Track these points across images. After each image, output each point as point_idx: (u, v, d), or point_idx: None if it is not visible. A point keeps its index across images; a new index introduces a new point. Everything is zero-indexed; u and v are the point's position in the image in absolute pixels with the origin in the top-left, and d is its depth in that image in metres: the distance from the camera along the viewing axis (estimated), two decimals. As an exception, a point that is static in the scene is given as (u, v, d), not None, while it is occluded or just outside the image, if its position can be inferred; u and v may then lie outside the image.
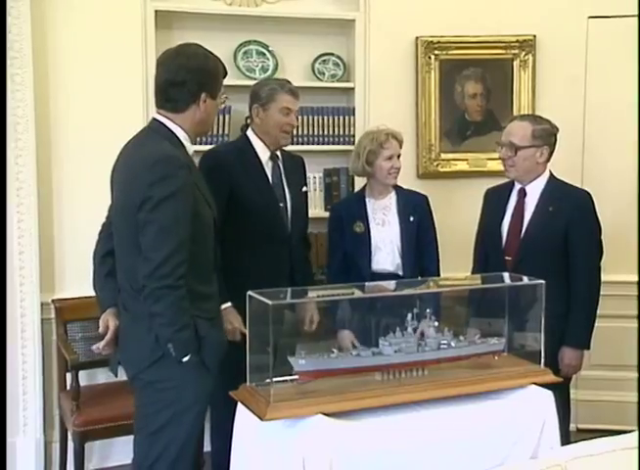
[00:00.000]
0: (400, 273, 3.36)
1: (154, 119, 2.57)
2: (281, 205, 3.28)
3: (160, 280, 2.32)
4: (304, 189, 3.44)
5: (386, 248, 3.38)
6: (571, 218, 3.17)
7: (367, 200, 3.45)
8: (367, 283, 3.12)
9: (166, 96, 2.51)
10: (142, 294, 2.36)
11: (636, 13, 4.02)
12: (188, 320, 2.38)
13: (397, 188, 3.47)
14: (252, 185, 3.23)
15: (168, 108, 2.52)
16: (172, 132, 2.51)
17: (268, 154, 3.31)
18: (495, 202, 3.40)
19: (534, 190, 3.27)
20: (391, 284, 3.14)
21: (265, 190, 3.26)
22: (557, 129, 3.27)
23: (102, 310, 2.65)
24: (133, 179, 2.41)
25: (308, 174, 3.98)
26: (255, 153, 3.29)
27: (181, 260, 2.34)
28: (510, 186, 3.35)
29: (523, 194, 3.29)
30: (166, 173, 2.35)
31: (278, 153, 3.36)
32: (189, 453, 2.53)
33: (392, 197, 3.45)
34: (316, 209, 4.15)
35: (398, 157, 3.38)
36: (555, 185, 3.28)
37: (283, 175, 3.34)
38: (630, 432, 2.06)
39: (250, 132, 3.34)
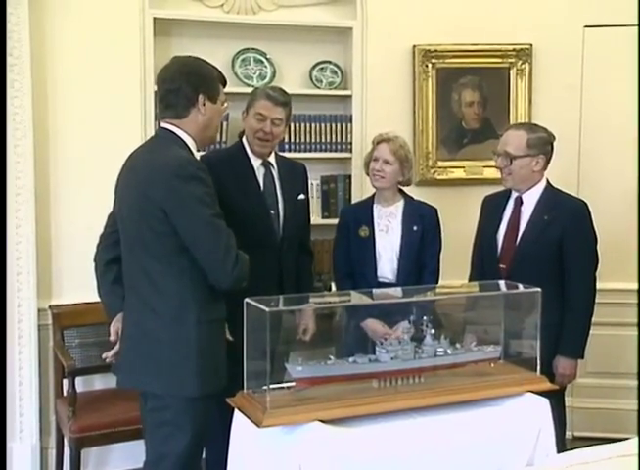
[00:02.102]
0: (394, 281, 3.37)
1: (160, 128, 2.66)
2: (272, 212, 3.26)
3: (229, 274, 2.45)
4: (301, 197, 3.41)
5: (386, 254, 3.40)
6: (566, 228, 3.17)
7: (374, 206, 3.47)
8: (365, 290, 3.14)
9: (166, 103, 2.61)
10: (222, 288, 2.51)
11: (632, 22, 4.05)
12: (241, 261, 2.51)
13: (407, 197, 3.49)
14: (241, 191, 3.21)
15: (171, 115, 2.60)
16: (180, 138, 2.59)
17: (260, 161, 3.30)
18: (492, 209, 3.41)
19: (531, 198, 3.27)
20: (389, 292, 3.15)
21: (255, 197, 3.24)
22: (553, 137, 3.27)
23: (111, 316, 2.69)
24: (152, 182, 2.47)
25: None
26: (248, 159, 3.29)
27: (226, 236, 2.47)
28: (507, 194, 3.36)
29: (519, 202, 3.29)
30: (190, 174, 2.46)
31: (272, 160, 3.35)
32: (198, 452, 2.62)
33: (400, 205, 3.46)
34: (313, 216, 4.16)
35: (385, 162, 3.38)
36: (551, 194, 3.28)
37: (277, 182, 3.33)
38: (626, 439, 2.06)
39: (244, 139, 3.34)
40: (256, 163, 3.30)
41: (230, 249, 2.46)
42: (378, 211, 3.45)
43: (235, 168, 3.24)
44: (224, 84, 2.72)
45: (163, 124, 2.63)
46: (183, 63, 2.66)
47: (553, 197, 3.27)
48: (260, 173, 3.30)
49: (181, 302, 2.50)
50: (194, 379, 2.50)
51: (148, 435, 2.65)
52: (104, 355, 2.71)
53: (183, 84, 2.56)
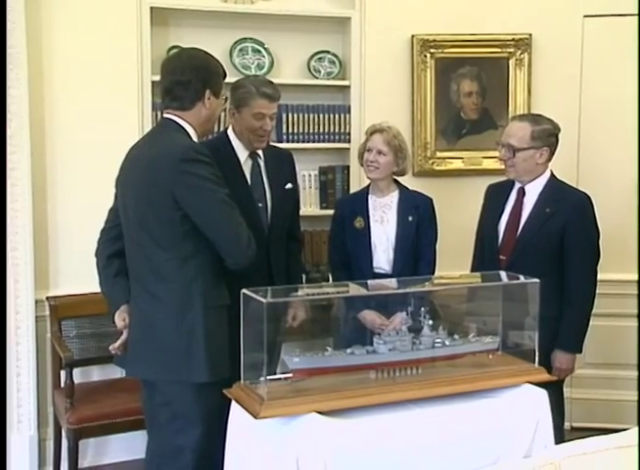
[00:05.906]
0: (390, 271, 3.36)
1: (163, 118, 2.68)
2: (260, 204, 3.20)
3: (245, 249, 2.53)
4: (289, 186, 3.33)
5: (382, 245, 3.38)
6: (568, 221, 3.13)
7: (369, 196, 3.45)
8: (362, 281, 3.13)
9: (173, 95, 2.63)
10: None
11: (631, 12, 4.03)
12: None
13: (402, 187, 3.47)
14: (227, 185, 3.17)
15: (175, 107, 2.64)
16: (182, 127, 2.62)
17: (247, 153, 3.23)
18: (495, 199, 3.37)
19: (533, 190, 3.23)
20: (387, 282, 3.14)
21: (241, 189, 3.15)
22: (558, 129, 3.21)
23: (114, 309, 2.69)
24: (159, 168, 2.49)
25: (303, 172, 3.99)
26: (234, 151, 3.22)
27: (238, 214, 2.55)
28: (511, 184, 3.32)
29: (522, 193, 3.26)
30: (196, 157, 2.51)
31: (259, 150, 3.28)
32: (214, 443, 2.59)
33: (395, 196, 3.44)
34: (311, 207, 4.16)
35: (379, 153, 3.35)
36: (554, 186, 3.23)
37: (264, 174, 3.26)
38: (624, 430, 2.06)
39: (229, 130, 3.27)
40: (243, 155, 3.23)
41: (243, 225, 2.53)
42: (373, 201, 3.43)
43: (220, 161, 3.16)
44: (225, 77, 2.75)
45: (167, 115, 2.66)
46: (192, 55, 2.68)
47: (556, 189, 3.23)
48: (247, 166, 3.23)
49: (186, 288, 2.53)
50: (203, 365, 2.52)
51: (161, 429, 2.64)
52: (111, 347, 2.70)
53: (193, 79, 2.59)
